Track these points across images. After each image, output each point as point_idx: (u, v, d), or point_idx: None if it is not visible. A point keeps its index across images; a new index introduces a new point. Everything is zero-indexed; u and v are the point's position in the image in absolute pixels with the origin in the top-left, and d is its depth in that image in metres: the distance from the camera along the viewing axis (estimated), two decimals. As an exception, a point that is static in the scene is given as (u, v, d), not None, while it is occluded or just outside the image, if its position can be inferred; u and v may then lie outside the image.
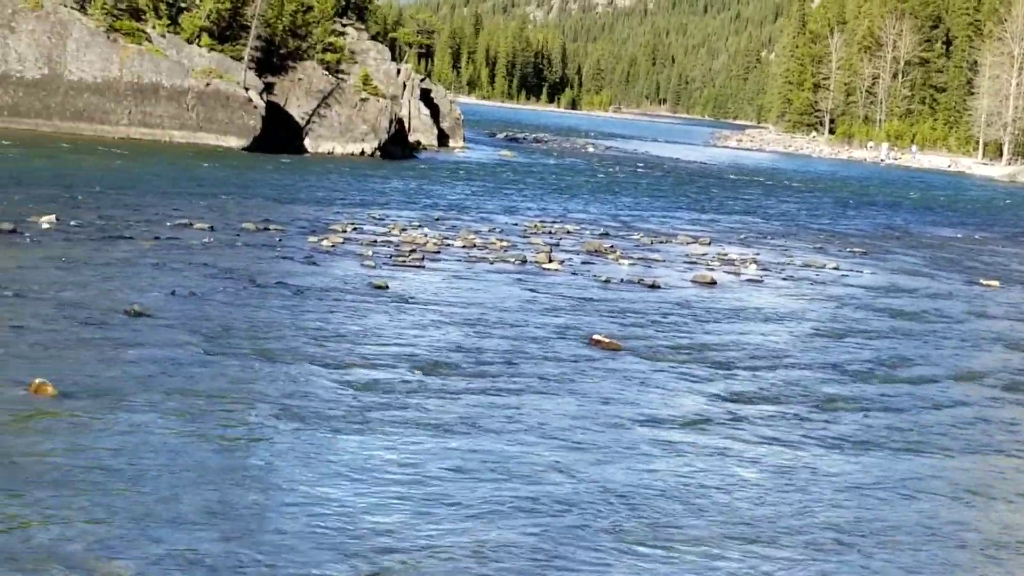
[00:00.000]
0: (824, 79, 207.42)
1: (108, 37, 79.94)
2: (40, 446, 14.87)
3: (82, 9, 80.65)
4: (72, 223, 34.79)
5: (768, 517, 15.23)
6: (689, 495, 15.79)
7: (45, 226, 33.70)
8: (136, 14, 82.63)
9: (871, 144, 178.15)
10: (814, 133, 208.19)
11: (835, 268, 42.55)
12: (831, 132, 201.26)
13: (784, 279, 38.77)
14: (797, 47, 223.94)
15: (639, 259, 40.12)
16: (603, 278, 34.79)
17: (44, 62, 79.38)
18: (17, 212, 35.57)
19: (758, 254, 44.50)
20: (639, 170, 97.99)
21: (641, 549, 13.74)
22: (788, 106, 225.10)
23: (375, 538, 13.25)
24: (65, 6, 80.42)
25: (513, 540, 13.56)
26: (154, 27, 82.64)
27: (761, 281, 37.81)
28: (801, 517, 15.36)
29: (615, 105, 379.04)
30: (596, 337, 25.48)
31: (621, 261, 39.22)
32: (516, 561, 13.01)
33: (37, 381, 17.02)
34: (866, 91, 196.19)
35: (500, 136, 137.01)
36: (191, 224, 37.32)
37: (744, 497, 15.94)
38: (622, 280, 34.90)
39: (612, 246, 42.43)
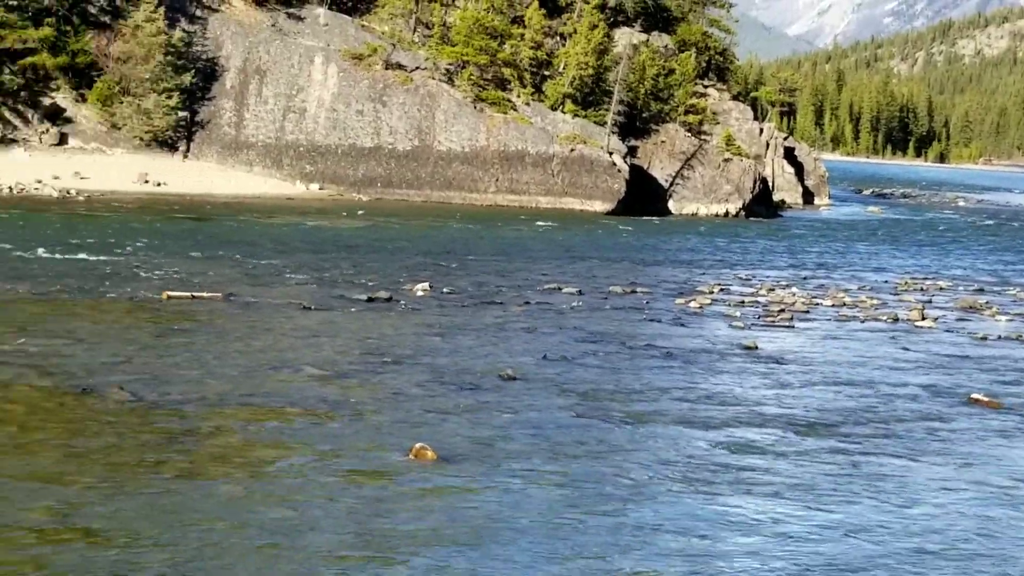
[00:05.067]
0: None
1: (475, 107, 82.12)
2: (422, 509, 15.11)
3: (450, 81, 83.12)
4: (445, 290, 35.67)
5: None
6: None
7: (420, 294, 34.66)
8: (501, 84, 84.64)
9: None
10: None
11: None
12: None
13: None
14: None
15: (1017, 315, 38.45)
16: (979, 335, 33.46)
17: (415, 134, 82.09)
18: (393, 281, 36.73)
19: None
20: (1015, 224, 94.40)
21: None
22: None
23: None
24: (433, 79, 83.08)
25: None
26: (519, 96, 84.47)
27: None
28: None
29: (985, 157, 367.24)
30: (975, 396, 24.45)
31: (998, 318, 37.68)
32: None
33: (417, 446, 17.36)
34: None
35: (866, 192, 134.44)
36: (560, 288, 37.75)
37: None
38: (999, 337, 33.49)
39: (988, 302, 40.88)
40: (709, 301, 37.24)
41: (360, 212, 65.64)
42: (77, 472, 15.31)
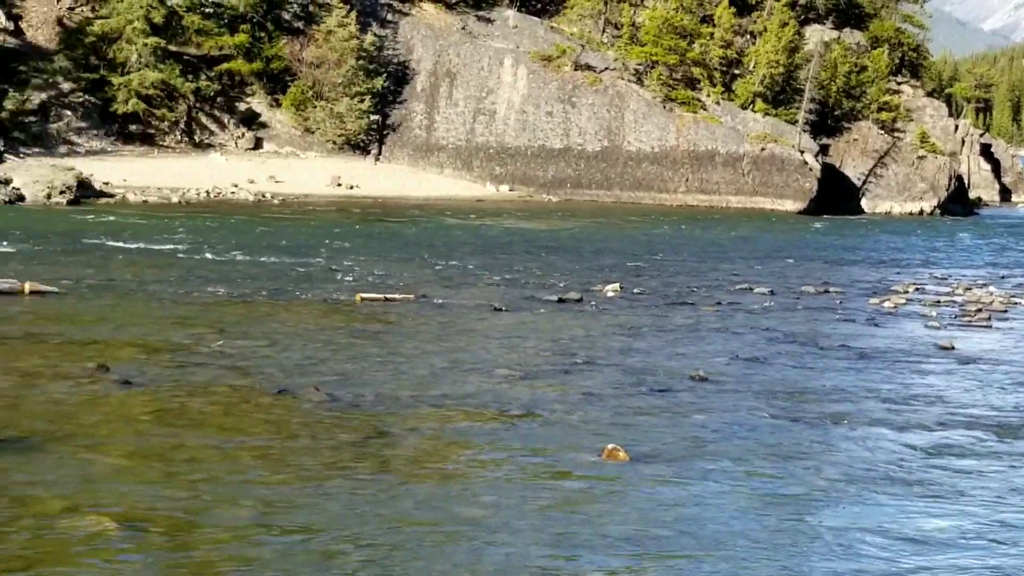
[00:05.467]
0: None
1: (664, 107, 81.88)
2: (614, 510, 15.07)
3: (639, 81, 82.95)
4: (635, 291, 35.62)
5: None
6: None
7: (610, 294, 34.64)
8: (691, 83, 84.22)
9: None
10: None
11: None
12: None
13: None
14: None
15: None
16: None
17: (604, 135, 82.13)
18: (583, 282, 36.80)
19: None
20: None
21: None
22: None
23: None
24: (622, 79, 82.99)
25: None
26: (708, 95, 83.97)
27: None
28: None
29: None
30: None
31: None
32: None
33: (609, 447, 17.33)
34: None
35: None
36: (751, 288, 37.42)
37: None
38: None
39: None
40: (904, 301, 36.57)
41: (550, 213, 65.84)
42: (275, 472, 15.59)
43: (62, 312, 26.60)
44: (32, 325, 24.78)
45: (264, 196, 67.64)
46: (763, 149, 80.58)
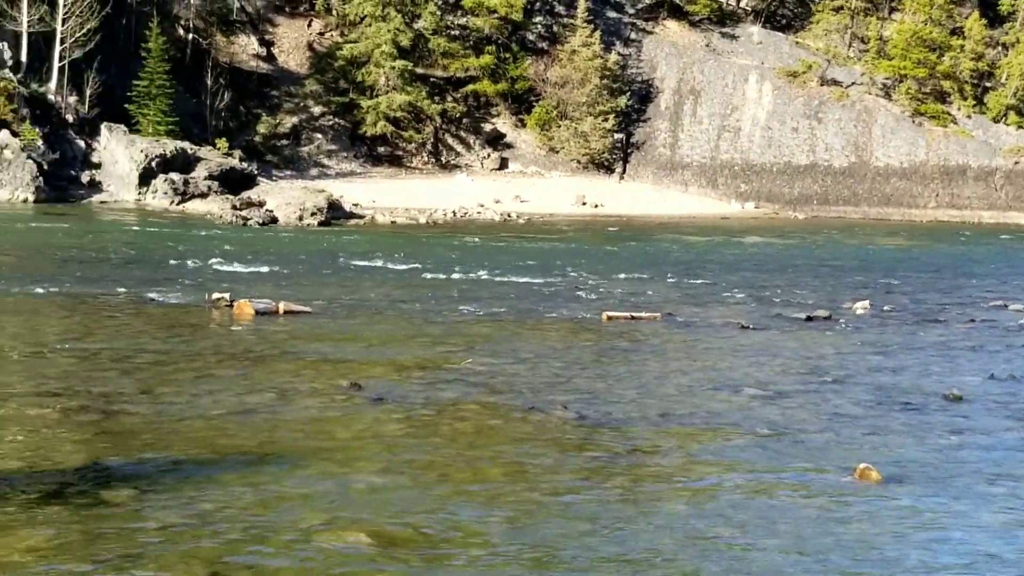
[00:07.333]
0: None
1: (913, 121, 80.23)
2: (867, 531, 14.78)
3: (886, 96, 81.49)
4: (885, 308, 34.96)
5: None
6: None
7: (859, 312, 34.06)
8: (940, 97, 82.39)
9: None
10: None
11: None
12: None
13: None
14: None
15: None
16: None
17: (851, 150, 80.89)
18: (831, 299, 36.27)
19: None
20: None
21: None
22: None
23: None
24: (870, 94, 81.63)
25: None
26: (959, 108, 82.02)
27: None
28: None
29: None
30: None
31: None
32: None
33: (861, 466, 17.01)
34: None
35: None
36: (1006, 305, 36.40)
37: None
38: None
39: None
40: None
41: (797, 230, 65.09)
42: (525, 488, 15.70)
43: (315, 331, 27.25)
44: (287, 344, 25.45)
45: (509, 216, 68.33)
46: (1017, 163, 78.36)
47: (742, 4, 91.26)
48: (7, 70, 67.21)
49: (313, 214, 59.72)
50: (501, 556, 13.20)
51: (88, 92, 69.48)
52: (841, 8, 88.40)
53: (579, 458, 17.27)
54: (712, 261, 48.54)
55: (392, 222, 62.80)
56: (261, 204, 61.18)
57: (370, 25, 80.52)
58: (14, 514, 13.45)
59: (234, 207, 59.92)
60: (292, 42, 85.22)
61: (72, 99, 69.52)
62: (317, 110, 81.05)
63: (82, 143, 67.21)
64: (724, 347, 27.84)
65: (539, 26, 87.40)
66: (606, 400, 21.15)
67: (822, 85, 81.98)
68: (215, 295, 30.56)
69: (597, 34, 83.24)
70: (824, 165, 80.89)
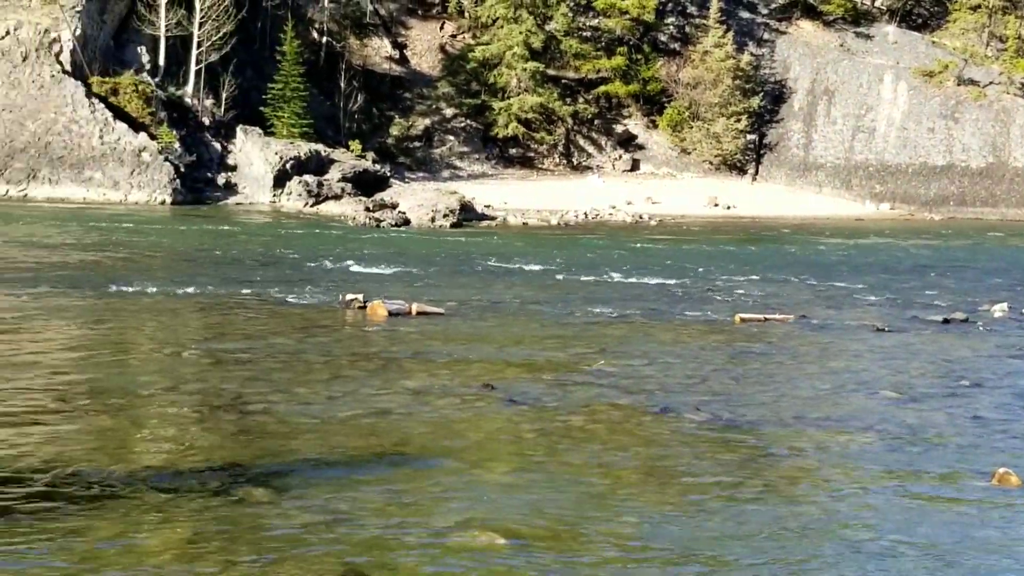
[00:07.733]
0: None
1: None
2: (1005, 536, 14.55)
3: (1027, 95, 80.00)
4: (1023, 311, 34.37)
5: None
6: None
7: (998, 315, 33.51)
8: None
9: None
10: None
11: None
12: None
13: None
14: None
15: None
16: None
17: (989, 151, 79.55)
18: (969, 301, 35.71)
19: None
20: None
21: None
22: None
23: None
24: (1008, 94, 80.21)
25: None
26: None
27: None
28: None
29: None
30: None
31: None
32: None
33: (1001, 471, 16.73)
34: None
35: None
36: None
37: None
38: None
39: None
40: None
41: (933, 231, 64.18)
42: (658, 490, 15.68)
43: (448, 332, 27.42)
44: (420, 345, 25.63)
45: (641, 217, 68.18)
46: None
47: (877, 3, 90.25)
48: (145, 74, 68.59)
49: (445, 216, 60.06)
50: (635, 557, 13.19)
51: (224, 95, 70.65)
52: (979, 7, 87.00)
53: (712, 460, 17.20)
54: (846, 262, 48.02)
55: (524, 224, 62.95)
56: (394, 206, 61.67)
57: (502, 27, 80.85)
58: (152, 512, 13.72)
59: (367, 209, 60.49)
60: (424, 44, 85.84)
61: (208, 102, 70.74)
62: (449, 112, 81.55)
63: (218, 145, 68.36)
64: (859, 349, 27.54)
65: (671, 27, 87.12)
66: (739, 402, 21.04)
67: (959, 85, 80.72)
68: (348, 296, 30.88)
69: (730, 35, 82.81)
70: (961, 166, 79.68)
